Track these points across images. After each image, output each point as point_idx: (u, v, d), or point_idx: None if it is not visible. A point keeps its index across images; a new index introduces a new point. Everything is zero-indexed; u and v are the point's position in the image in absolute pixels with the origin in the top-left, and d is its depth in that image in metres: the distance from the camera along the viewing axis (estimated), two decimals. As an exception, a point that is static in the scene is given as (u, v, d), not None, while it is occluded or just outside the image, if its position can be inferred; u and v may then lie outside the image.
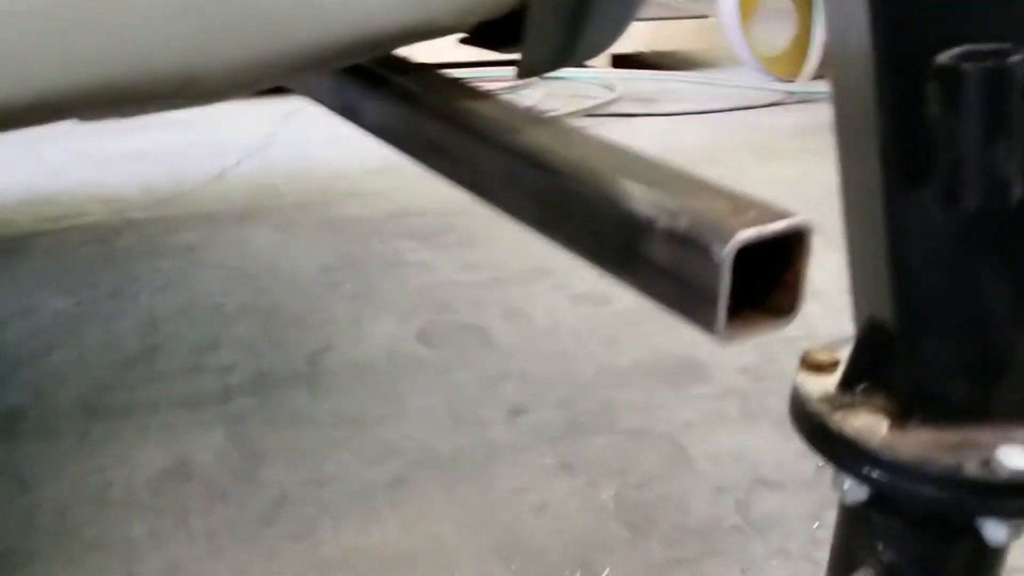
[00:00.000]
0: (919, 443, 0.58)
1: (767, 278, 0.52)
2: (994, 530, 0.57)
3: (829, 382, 0.64)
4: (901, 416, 0.59)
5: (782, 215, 0.49)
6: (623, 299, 1.65)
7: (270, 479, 1.26)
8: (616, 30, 0.79)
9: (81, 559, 1.10)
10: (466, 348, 1.61)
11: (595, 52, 0.78)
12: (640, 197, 0.52)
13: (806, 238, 0.49)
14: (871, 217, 0.57)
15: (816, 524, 1.19)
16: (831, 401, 0.62)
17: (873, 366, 0.61)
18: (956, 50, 0.49)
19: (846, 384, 0.63)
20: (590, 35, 0.73)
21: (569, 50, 0.74)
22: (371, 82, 0.79)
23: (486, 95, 0.72)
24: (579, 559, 1.13)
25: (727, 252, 0.47)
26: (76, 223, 2.14)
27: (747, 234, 0.47)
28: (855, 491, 0.61)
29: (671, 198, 0.51)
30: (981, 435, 0.58)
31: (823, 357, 0.66)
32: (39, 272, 1.89)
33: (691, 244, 0.49)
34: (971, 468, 0.56)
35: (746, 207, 0.49)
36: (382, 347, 1.62)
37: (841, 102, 0.58)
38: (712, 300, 0.48)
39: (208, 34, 0.60)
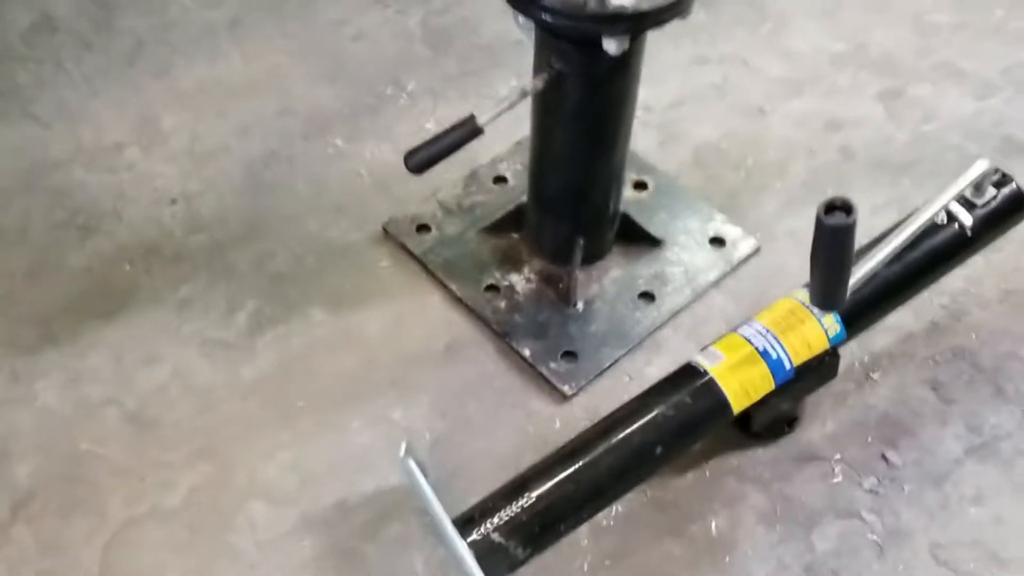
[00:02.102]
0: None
1: None
2: (608, 44, 0.88)
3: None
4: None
5: None
6: None
7: (125, 26, 1.47)
8: None
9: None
10: None
11: None
12: None
13: None
14: None
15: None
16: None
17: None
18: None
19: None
20: None
21: None
22: None
23: None
24: (390, 77, 1.43)
25: None
26: None
27: None
28: (529, 28, 0.91)
29: None
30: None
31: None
32: None
33: None
34: (592, 5, 0.85)
35: None
36: None
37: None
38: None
39: None
